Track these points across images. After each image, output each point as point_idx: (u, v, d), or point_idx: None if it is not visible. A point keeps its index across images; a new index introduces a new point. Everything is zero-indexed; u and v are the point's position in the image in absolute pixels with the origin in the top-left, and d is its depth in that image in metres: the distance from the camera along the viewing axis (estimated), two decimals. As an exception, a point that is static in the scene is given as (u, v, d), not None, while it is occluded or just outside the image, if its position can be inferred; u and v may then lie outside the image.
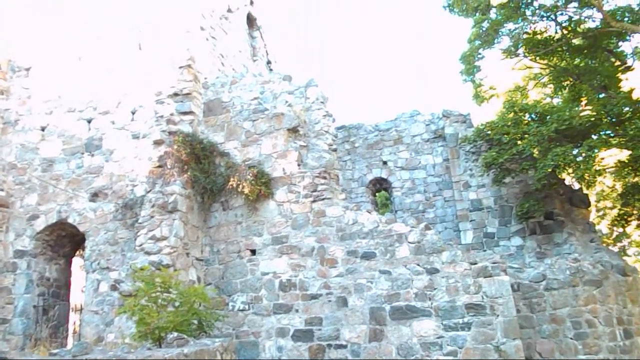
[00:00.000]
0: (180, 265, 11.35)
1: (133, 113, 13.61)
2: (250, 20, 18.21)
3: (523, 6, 16.22)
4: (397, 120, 17.82)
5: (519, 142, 14.42)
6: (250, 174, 12.21)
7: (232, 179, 12.38)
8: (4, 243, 13.47)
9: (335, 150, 12.98)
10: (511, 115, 15.28)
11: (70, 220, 13.22)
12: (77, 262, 17.20)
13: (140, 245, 11.44)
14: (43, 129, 14.18)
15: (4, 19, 15.34)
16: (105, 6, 14.77)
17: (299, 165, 12.29)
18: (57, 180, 13.58)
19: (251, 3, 18.16)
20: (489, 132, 15.11)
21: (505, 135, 14.62)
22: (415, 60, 54.17)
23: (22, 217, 13.56)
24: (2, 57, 14.75)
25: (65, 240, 14.07)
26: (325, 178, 12.06)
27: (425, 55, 55.58)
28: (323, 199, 11.86)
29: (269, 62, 18.54)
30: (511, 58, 17.50)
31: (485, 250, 14.88)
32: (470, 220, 15.68)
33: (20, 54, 15.02)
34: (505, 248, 14.97)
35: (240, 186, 12.16)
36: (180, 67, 13.30)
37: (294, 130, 12.53)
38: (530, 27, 16.72)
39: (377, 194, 19.21)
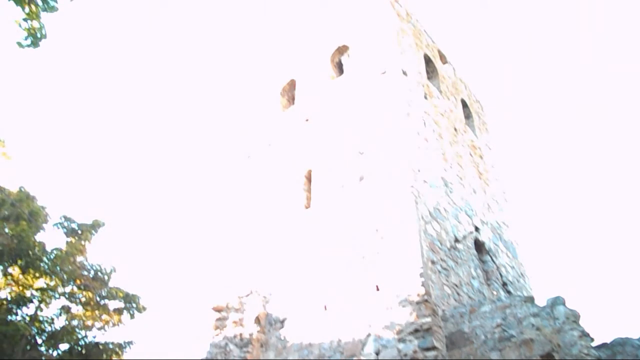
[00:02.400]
0: None
1: (377, 353, 13.77)
2: (479, 246, 18.34)
3: None
4: (671, 330, 15.22)
5: None
6: (508, 412, 11.08)
7: (487, 419, 11.33)
8: None
9: (602, 376, 11.34)
10: None
11: None
12: None
13: None
14: (296, 376, 14.97)
15: (255, 278, 17.67)
16: (338, 251, 16.25)
17: (562, 397, 10.88)
18: None
19: (476, 229, 18.51)
20: None
21: None
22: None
23: None
24: (261, 312, 16.61)
25: None
26: (597, 411, 10.39)
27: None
28: None
29: (504, 284, 17.97)
30: None
31: None
32: None
33: (276, 308, 16.79)
34: None
35: None
36: (418, 303, 13.50)
37: (548, 357, 11.40)
38: None
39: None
